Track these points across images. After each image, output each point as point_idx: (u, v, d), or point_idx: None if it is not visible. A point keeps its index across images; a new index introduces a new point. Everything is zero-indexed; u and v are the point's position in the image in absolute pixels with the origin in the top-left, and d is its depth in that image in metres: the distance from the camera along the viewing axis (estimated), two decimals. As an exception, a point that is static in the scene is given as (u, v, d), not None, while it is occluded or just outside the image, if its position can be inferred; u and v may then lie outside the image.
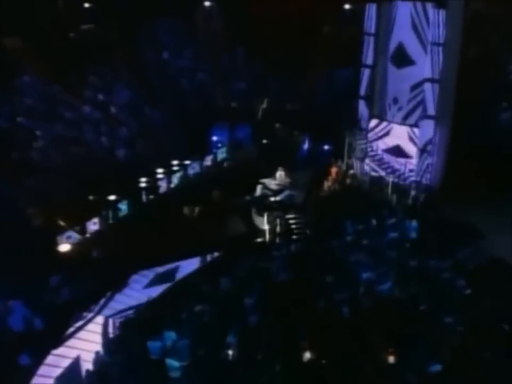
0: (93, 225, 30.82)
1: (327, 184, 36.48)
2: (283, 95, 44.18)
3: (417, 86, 34.67)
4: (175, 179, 35.96)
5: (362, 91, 37.07)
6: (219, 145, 41.05)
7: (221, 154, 39.98)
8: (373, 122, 37.31)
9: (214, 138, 41.93)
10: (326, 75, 44.92)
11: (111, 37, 44.96)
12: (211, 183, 35.80)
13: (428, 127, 34.76)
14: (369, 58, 36.21)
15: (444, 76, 33.45)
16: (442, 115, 34.26)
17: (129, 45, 45.25)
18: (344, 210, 33.44)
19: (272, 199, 34.95)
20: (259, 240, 31.73)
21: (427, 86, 34.07)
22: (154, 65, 44.97)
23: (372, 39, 35.88)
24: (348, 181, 37.92)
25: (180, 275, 28.83)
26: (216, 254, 30.11)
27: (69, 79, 42.32)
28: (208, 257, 29.93)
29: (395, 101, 36.19)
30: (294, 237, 32.43)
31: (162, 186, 34.95)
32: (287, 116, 43.80)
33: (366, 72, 36.69)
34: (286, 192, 35.22)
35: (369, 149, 37.43)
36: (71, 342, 25.23)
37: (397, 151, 36.34)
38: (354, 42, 37.61)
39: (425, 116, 34.39)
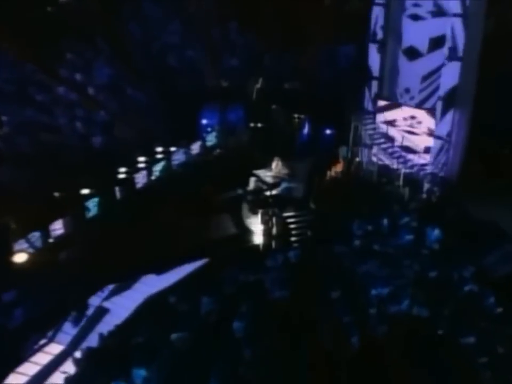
0: (57, 228, 25.15)
1: (330, 176, 30.98)
2: (280, 73, 39.79)
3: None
4: (157, 170, 30.40)
5: (370, 68, 32.09)
6: (209, 129, 36.03)
7: (211, 140, 34.69)
8: (383, 104, 32.09)
9: (204, 121, 36.80)
10: (328, 50, 39.89)
11: (91, 9, 40.05)
12: (197, 175, 30.76)
13: (446, 112, 29.72)
14: (378, 32, 30.57)
15: (466, 54, 28.34)
16: (463, 98, 29.22)
17: (110, 18, 40.29)
18: (350, 207, 28.20)
19: (268, 193, 29.43)
20: (251, 244, 26.15)
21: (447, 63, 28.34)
22: (138, 41, 40.68)
23: (381, 9, 29.90)
24: (354, 171, 32.34)
25: (149, 290, 23.36)
26: (198, 263, 24.46)
27: (42, 56, 37.15)
28: (188, 268, 24.36)
29: (408, 79, 30.20)
30: (293, 239, 26.91)
31: (141, 179, 29.36)
32: (285, 96, 38.86)
33: (374, 47, 31.33)
34: (284, 185, 29.97)
35: (377, 135, 31.93)
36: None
37: (410, 138, 31.11)
38: (360, 13, 32.74)
39: (444, 97, 28.65)
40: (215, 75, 39.94)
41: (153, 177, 30.65)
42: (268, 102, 38.55)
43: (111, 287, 24.27)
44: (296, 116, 37.63)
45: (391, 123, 31.85)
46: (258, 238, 27.07)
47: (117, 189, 28.70)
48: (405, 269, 24.43)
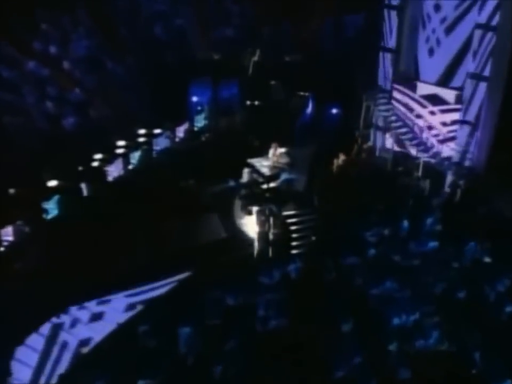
0: (7, 233, 19.90)
1: (337, 165, 25.54)
2: (280, 44, 34.30)
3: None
4: (134, 159, 24.93)
5: (384, 39, 26.84)
6: (198, 108, 30.69)
7: (200, 121, 28.91)
8: (400, 81, 27.11)
9: (192, 99, 31.79)
10: (335, 18, 34.68)
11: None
12: (182, 165, 25.13)
13: (475, 91, 24.61)
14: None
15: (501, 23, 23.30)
16: (496, 75, 24.18)
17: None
18: (362, 204, 22.75)
19: (264, 187, 23.86)
20: (243, 253, 20.84)
21: (477, 34, 22.53)
22: (120, 8, 35.31)
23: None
24: (365, 159, 26.91)
25: (115, 318, 18.24)
26: (176, 278, 19.22)
27: (12, 27, 31.47)
28: (164, 286, 19.12)
29: (430, 53, 24.54)
30: (294, 245, 21.58)
31: (114, 170, 23.93)
32: (285, 71, 33.38)
33: (389, 14, 26.32)
34: (283, 177, 24.56)
35: (393, 117, 26.82)
36: None
37: (431, 122, 26.31)
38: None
39: (474, 73, 24.32)
40: (206, 46, 34.76)
41: (129, 168, 24.96)
42: (265, 78, 33.23)
43: (71, 310, 18.80)
44: (298, 93, 32.30)
45: (409, 103, 26.39)
46: (251, 244, 21.52)
47: (84, 183, 23.00)
48: (431, 287, 19.06)
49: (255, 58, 34.11)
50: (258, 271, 19.74)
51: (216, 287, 18.77)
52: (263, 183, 24.81)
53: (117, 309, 18.88)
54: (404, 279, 19.62)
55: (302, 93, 32.15)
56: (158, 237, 21.24)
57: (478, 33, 23.93)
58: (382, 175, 26.45)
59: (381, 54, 27.48)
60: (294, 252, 21.84)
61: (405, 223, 22.46)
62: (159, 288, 19.56)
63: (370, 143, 28.62)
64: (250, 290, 18.70)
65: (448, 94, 25.56)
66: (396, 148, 27.26)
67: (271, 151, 25.80)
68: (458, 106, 25.40)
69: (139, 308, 18.87)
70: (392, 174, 26.57)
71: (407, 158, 26.85)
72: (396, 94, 27.09)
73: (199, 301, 18.47)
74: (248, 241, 22.16)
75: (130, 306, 19.02)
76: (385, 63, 27.46)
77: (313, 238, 22.03)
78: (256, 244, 22.06)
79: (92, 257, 19.99)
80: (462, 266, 20.29)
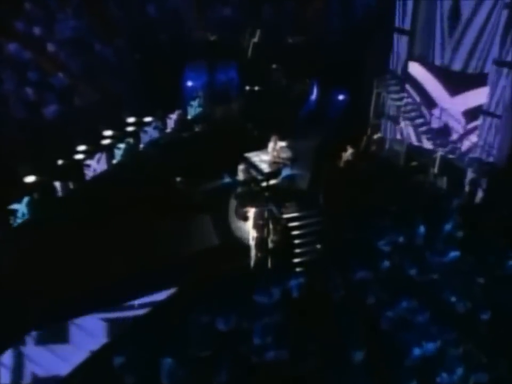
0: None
1: (345, 160, 22.52)
2: (282, 24, 30.71)
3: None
4: (119, 153, 21.94)
5: (398, 19, 23.89)
6: (193, 94, 27.82)
7: (193, 109, 25.94)
8: (414, 66, 23.73)
9: (186, 84, 28.82)
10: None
11: None
12: (170, 158, 22.03)
13: (500, 79, 21.78)
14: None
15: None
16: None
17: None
18: (373, 205, 19.71)
19: (263, 184, 20.91)
20: (236, 263, 17.91)
21: (504, 14, 19.97)
22: None
23: None
24: (375, 152, 23.92)
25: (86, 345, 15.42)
26: (156, 297, 16.38)
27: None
28: (142, 306, 16.27)
29: (450, 35, 21.52)
30: (296, 253, 18.56)
31: (95, 166, 20.95)
32: (288, 53, 29.73)
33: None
34: (284, 174, 21.36)
35: (407, 106, 23.96)
36: None
37: (450, 112, 23.29)
38: None
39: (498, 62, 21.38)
40: (201, 26, 31.11)
41: (112, 163, 21.98)
42: (266, 61, 29.85)
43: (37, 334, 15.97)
44: (301, 78, 29.06)
45: (425, 91, 23.39)
46: (247, 254, 18.57)
47: (61, 180, 20.09)
48: (454, 308, 16.20)
49: (255, 39, 30.57)
50: (254, 288, 16.71)
51: (205, 308, 15.81)
52: (261, 180, 21.80)
53: (89, 333, 15.97)
54: (422, 298, 16.75)
55: (306, 78, 28.93)
56: (138, 245, 18.23)
57: (505, 13, 20.71)
58: (393, 171, 23.47)
59: (393, 35, 24.27)
60: (296, 263, 18.66)
61: (421, 229, 19.49)
62: (138, 309, 16.62)
63: (380, 134, 25.49)
64: (245, 312, 15.79)
65: (469, 82, 22.39)
66: (410, 141, 24.15)
67: (270, 144, 22.68)
68: (480, 95, 22.13)
69: (114, 332, 15.90)
70: (405, 170, 23.60)
71: (422, 152, 23.94)
72: (410, 81, 23.84)
73: (184, 325, 15.55)
74: (244, 250, 19.16)
75: (105, 330, 16.06)
76: (399, 45, 24.41)
77: (318, 246, 18.95)
78: (252, 253, 19.05)
79: (61, 270, 17.06)
80: (490, 281, 17.27)
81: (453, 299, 16.85)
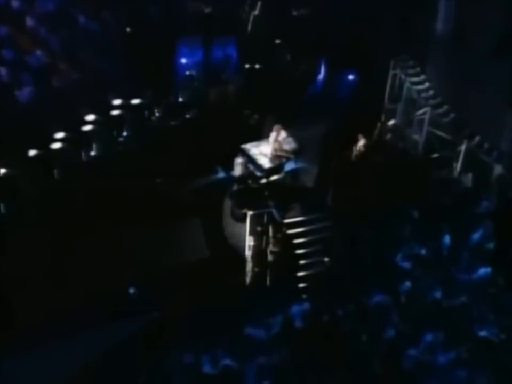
0: None
1: (357, 152, 19.17)
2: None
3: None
4: (99, 144, 18.75)
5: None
6: (186, 73, 24.45)
7: (186, 91, 22.58)
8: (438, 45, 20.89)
9: (178, 62, 25.51)
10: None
11: None
12: (157, 152, 18.57)
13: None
14: None
15: None
16: None
17: None
18: (390, 207, 16.54)
19: (262, 181, 17.60)
20: (227, 281, 14.74)
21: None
22: None
23: None
24: (389, 142, 20.54)
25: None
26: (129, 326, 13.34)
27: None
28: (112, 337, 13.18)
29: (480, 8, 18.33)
30: (301, 268, 15.38)
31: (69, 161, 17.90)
32: (292, 27, 26.32)
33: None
34: (287, 169, 18.05)
35: (428, 90, 21.11)
36: None
37: (479, 98, 19.79)
38: None
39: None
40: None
41: (89, 157, 18.76)
42: (268, 36, 26.39)
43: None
44: (307, 56, 25.71)
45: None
46: (242, 267, 15.35)
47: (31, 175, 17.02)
48: (489, 341, 13.04)
49: (256, 12, 27.17)
50: (249, 316, 13.51)
51: (186, 343, 12.62)
52: (260, 177, 18.48)
53: (51, 363, 12.90)
54: (450, 330, 13.48)
55: (312, 56, 25.55)
56: (108, 259, 15.04)
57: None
58: (411, 165, 20.10)
59: (413, 9, 20.82)
60: (300, 282, 15.43)
61: (446, 239, 16.24)
62: (101, 341, 13.47)
63: (396, 122, 22.09)
64: (236, 349, 12.57)
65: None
66: (430, 130, 20.77)
67: (272, 135, 19.33)
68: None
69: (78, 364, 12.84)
70: (424, 164, 20.22)
71: (444, 144, 20.46)
72: (432, 62, 20.36)
73: (159, 365, 12.39)
74: (238, 264, 15.94)
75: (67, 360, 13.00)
76: (419, 21, 20.60)
77: (326, 260, 15.72)
78: (248, 268, 15.85)
79: (17, 288, 13.97)
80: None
81: (486, 332, 13.63)
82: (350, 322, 14.07)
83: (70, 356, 13.39)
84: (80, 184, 18.44)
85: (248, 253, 16.68)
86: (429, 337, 13.78)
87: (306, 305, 14.32)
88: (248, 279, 16.19)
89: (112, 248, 15.70)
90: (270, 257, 16.41)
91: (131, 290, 14.90)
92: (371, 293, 14.69)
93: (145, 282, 15.12)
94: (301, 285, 15.72)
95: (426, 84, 20.85)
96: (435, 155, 20.94)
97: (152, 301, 14.73)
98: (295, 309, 14.27)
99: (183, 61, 25.60)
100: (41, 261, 16.18)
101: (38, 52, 24.72)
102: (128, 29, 26.40)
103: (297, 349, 13.32)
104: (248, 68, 25.88)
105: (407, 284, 14.95)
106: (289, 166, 19.41)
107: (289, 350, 13.28)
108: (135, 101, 22.79)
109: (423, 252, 16.00)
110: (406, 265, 15.57)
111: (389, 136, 22.14)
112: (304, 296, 14.92)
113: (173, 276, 15.57)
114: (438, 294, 14.89)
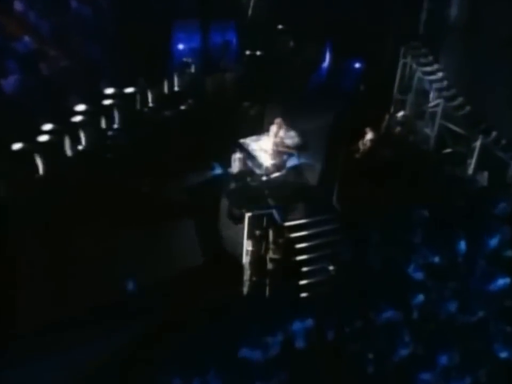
0: None
1: (365, 147, 17.61)
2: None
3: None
4: (87, 137, 17.23)
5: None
6: (183, 60, 22.53)
7: (182, 78, 20.88)
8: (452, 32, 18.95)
9: (176, 47, 23.75)
10: None
11: None
12: (150, 145, 17.05)
13: None
14: None
15: None
16: None
17: None
18: (401, 208, 15.02)
19: (262, 179, 16.06)
20: (222, 295, 13.23)
21: None
22: None
23: None
24: (398, 136, 18.96)
25: None
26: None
27: None
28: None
29: None
30: (303, 278, 13.91)
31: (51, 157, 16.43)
32: (296, 11, 23.80)
33: None
34: (289, 166, 16.53)
35: (442, 81, 19.46)
36: None
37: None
38: None
39: None
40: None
41: (74, 151, 17.24)
42: (270, 20, 24.57)
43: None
44: (311, 42, 23.83)
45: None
46: (238, 276, 13.86)
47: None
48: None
49: (257, -7, 24.77)
50: (244, 335, 12.00)
51: (173, 365, 11.15)
52: (260, 175, 16.93)
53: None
54: (467, 350, 11.97)
55: (316, 42, 23.73)
56: (90, 266, 13.53)
57: None
58: (422, 161, 18.51)
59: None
60: (302, 293, 13.90)
61: (461, 245, 14.71)
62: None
63: (406, 114, 20.45)
64: (230, 374, 11.11)
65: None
66: (443, 123, 19.14)
67: (273, 129, 17.75)
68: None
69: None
70: (435, 160, 18.64)
71: (458, 139, 18.85)
72: (446, 50, 18.69)
73: None
74: (233, 272, 14.41)
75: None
76: (432, 5, 18.83)
77: (332, 268, 14.20)
78: (245, 277, 14.33)
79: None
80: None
81: (507, 353, 12.14)
82: (357, 341, 12.52)
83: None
84: (66, 181, 16.80)
85: (245, 260, 15.12)
86: (443, 359, 12.25)
87: (309, 322, 12.77)
88: (244, 290, 14.61)
89: (94, 254, 14.16)
90: (269, 265, 14.85)
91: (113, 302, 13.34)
92: (380, 307, 13.13)
93: (126, 294, 13.56)
94: (304, 298, 14.14)
95: (440, 74, 19.17)
96: (448, 150, 19.26)
97: (135, 316, 13.19)
98: (297, 326, 12.74)
99: (180, 47, 23.87)
100: (24, 264, 14.69)
101: (26, 38, 23.01)
102: (121, 13, 24.52)
103: (299, 373, 11.79)
104: (249, 55, 24.13)
105: (420, 297, 13.38)
106: (291, 162, 17.89)
107: (290, 375, 11.76)
108: (128, 90, 21.09)
109: (436, 260, 14.36)
110: (418, 275, 14.02)
111: (398, 129, 20.50)
112: (307, 311, 13.34)
113: (158, 285, 13.99)
114: (452, 309, 13.32)
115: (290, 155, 17.92)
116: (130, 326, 12.95)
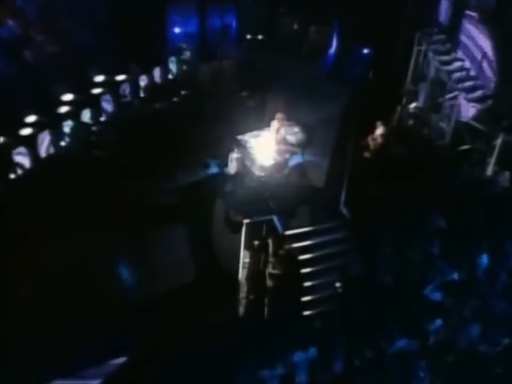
0: None
1: (375, 143, 15.84)
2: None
3: None
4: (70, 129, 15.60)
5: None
6: (178, 45, 20.31)
7: (176, 65, 19.06)
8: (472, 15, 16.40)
9: (171, 31, 21.66)
10: None
11: None
12: (138, 140, 15.28)
13: None
14: None
15: None
16: None
17: None
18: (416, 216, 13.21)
19: (263, 180, 14.36)
20: (213, 320, 11.57)
21: None
22: None
23: None
24: (410, 130, 17.16)
25: None
26: None
27: None
28: None
29: None
30: (307, 298, 12.25)
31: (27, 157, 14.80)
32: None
33: None
34: (293, 164, 14.66)
35: (461, 71, 17.35)
36: None
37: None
38: None
39: None
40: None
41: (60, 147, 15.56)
42: (273, 2, 22.46)
43: None
44: (317, 25, 21.90)
45: (488, 53, 16.16)
46: (232, 295, 12.21)
47: None
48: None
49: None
50: (238, 366, 10.34)
51: None
52: (259, 176, 15.16)
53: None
54: None
55: (322, 26, 21.61)
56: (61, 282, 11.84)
57: None
58: (436, 159, 16.72)
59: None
60: (305, 316, 12.21)
61: (483, 260, 12.99)
62: None
63: (419, 105, 18.62)
64: None
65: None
66: (461, 118, 17.29)
67: (274, 124, 15.95)
68: None
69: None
70: (451, 158, 16.84)
71: (477, 135, 17.00)
72: (466, 37, 16.80)
73: None
74: (227, 289, 12.70)
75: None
76: None
77: (340, 287, 12.48)
78: (241, 295, 12.63)
79: None
80: None
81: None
82: (366, 375, 10.85)
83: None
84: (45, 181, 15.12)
85: (241, 274, 13.43)
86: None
87: (312, 351, 11.09)
88: (239, 312, 12.90)
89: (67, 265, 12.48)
90: (268, 282, 13.14)
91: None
92: (393, 335, 11.43)
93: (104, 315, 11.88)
94: (307, 322, 12.44)
95: (458, 64, 17.20)
96: (465, 147, 17.46)
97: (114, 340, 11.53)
98: (299, 356, 11.05)
99: (175, 30, 21.97)
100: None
101: (10, 22, 21.21)
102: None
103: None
104: (249, 40, 22.26)
105: (437, 322, 11.67)
106: (294, 161, 16.09)
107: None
108: (119, 78, 19.33)
109: (455, 276, 12.64)
110: (436, 295, 12.28)
111: (410, 122, 18.68)
112: (310, 338, 11.66)
113: (141, 303, 12.31)
114: (474, 335, 11.63)
115: (293, 154, 16.11)
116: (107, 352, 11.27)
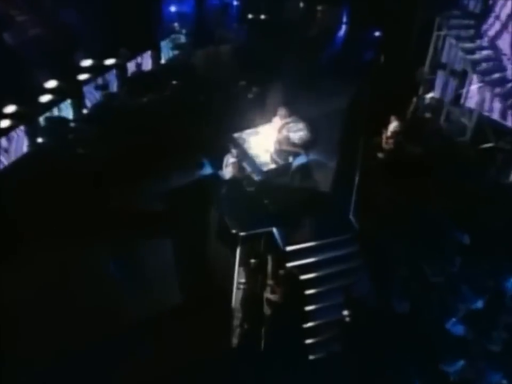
0: None
1: (389, 141, 13.83)
2: None
3: None
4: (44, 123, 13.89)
5: None
6: (174, 26, 18.11)
7: (171, 50, 17.18)
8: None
9: (166, 10, 19.23)
10: None
11: None
12: (124, 136, 13.43)
13: None
14: None
15: None
16: None
17: None
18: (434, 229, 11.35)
19: (262, 185, 12.44)
20: (203, 345, 9.77)
21: None
22: None
23: None
24: (426, 124, 15.26)
25: None
26: None
27: None
28: None
29: None
30: (310, 328, 10.40)
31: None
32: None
33: None
34: (295, 168, 12.75)
35: (488, 62, 14.71)
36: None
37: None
38: None
39: None
40: None
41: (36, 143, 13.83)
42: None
43: None
44: (325, 5, 19.52)
45: None
46: (224, 322, 10.40)
47: None
48: None
49: None
50: None
51: None
52: (258, 181, 13.28)
53: None
54: None
55: (331, 7, 19.26)
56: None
57: None
58: (455, 158, 14.77)
59: None
60: (307, 351, 10.40)
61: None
62: None
63: (437, 96, 16.61)
64: None
65: None
66: (484, 112, 15.28)
67: (275, 121, 13.99)
68: None
69: None
70: (473, 157, 14.89)
71: (502, 132, 15.02)
72: (494, 21, 14.74)
73: None
74: (219, 316, 10.86)
75: None
76: None
77: (346, 315, 10.63)
78: (235, 323, 10.82)
79: None
80: None
81: None
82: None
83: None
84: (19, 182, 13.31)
85: (235, 296, 11.60)
86: None
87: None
88: (231, 343, 11.09)
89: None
90: (266, 309, 11.31)
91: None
92: (407, 379, 9.63)
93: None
94: (308, 362, 10.62)
95: (484, 53, 15.11)
96: (487, 145, 15.49)
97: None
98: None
99: (171, 9, 19.97)
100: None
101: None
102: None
103: None
104: (251, 19, 20.20)
105: (460, 363, 9.85)
106: (298, 161, 14.15)
107: None
108: (107, 62, 17.43)
109: (479, 304, 10.78)
110: (458, 329, 10.44)
111: (428, 115, 16.67)
112: (313, 376, 9.89)
113: (120, 330, 10.55)
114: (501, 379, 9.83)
115: (296, 155, 14.16)
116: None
